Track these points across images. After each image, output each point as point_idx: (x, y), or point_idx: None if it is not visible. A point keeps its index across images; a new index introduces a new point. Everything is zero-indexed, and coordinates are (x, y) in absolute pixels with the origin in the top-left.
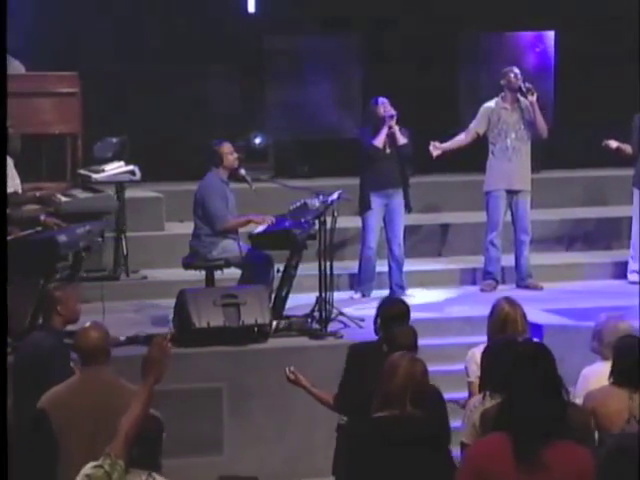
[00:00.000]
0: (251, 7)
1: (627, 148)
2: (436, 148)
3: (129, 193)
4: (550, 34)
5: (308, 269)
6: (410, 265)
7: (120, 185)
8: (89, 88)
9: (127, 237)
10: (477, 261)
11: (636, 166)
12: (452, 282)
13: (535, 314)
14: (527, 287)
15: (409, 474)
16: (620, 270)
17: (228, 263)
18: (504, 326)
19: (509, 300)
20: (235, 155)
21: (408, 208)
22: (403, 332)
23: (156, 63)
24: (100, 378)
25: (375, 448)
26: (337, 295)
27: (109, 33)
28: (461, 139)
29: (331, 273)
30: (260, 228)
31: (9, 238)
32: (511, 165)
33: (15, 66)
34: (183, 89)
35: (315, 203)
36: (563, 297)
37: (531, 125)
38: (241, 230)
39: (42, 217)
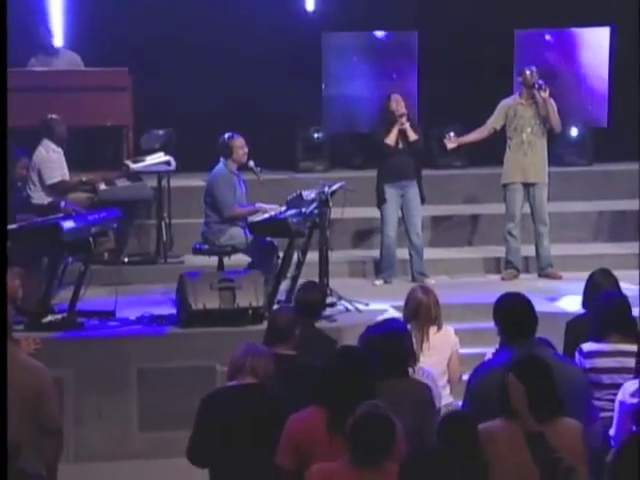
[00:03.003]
0: (309, 5)
1: None
2: (451, 141)
3: (177, 182)
4: (605, 30)
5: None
6: (438, 254)
7: (161, 175)
8: (142, 83)
9: (172, 224)
10: (502, 251)
11: None
12: (477, 271)
13: (551, 305)
14: (547, 276)
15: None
16: None
17: (235, 249)
18: (417, 313)
19: (423, 288)
20: (245, 150)
21: (422, 199)
22: (281, 315)
23: (214, 60)
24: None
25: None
26: (359, 282)
27: (162, 30)
28: (478, 133)
29: (327, 261)
30: (262, 216)
31: (19, 225)
32: (526, 159)
33: (76, 61)
34: (239, 85)
35: (310, 195)
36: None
37: (545, 120)
38: None
39: (62, 204)
